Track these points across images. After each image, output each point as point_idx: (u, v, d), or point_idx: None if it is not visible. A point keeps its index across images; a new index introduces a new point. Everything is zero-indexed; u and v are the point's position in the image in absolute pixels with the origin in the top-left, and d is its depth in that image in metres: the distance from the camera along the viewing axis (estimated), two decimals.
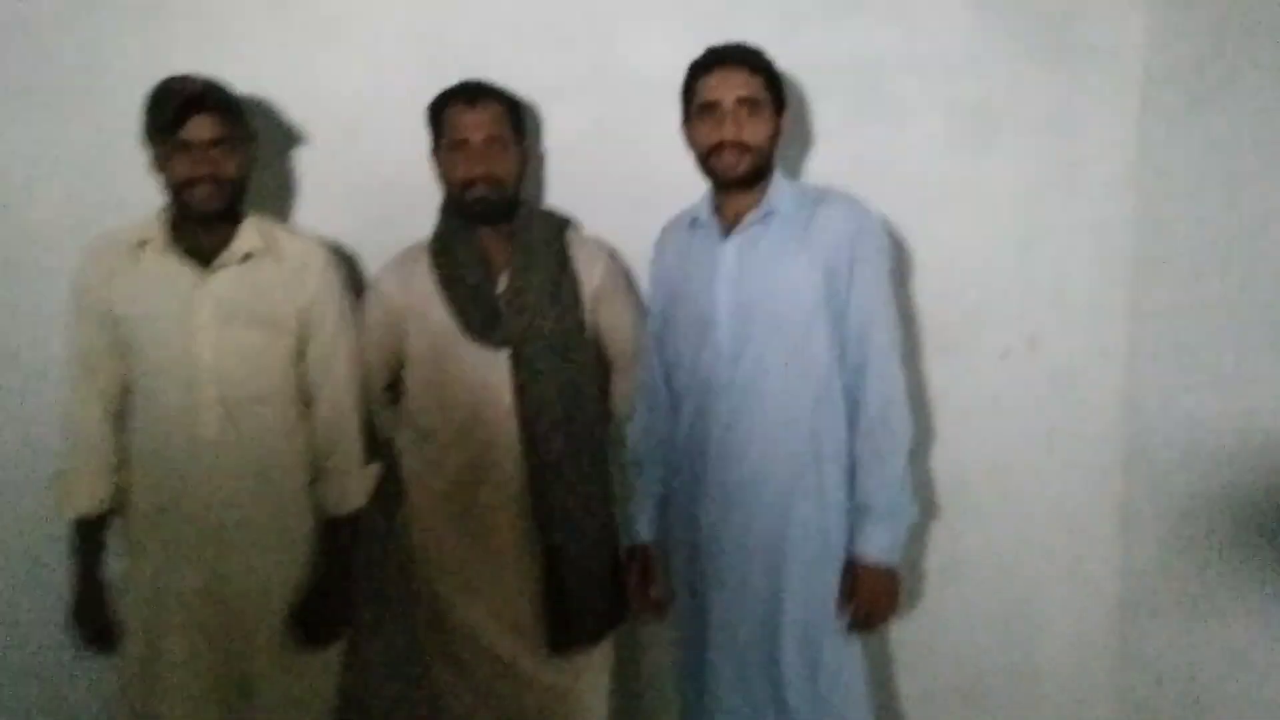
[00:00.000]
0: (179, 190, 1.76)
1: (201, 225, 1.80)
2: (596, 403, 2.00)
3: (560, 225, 2.01)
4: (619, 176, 2.20)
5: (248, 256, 1.82)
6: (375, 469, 1.97)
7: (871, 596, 1.80)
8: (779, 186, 1.84)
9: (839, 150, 2.22)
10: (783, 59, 1.99)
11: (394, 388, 2.08)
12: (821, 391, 1.81)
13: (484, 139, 1.87)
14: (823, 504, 1.82)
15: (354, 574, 1.97)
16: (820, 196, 1.85)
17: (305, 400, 1.90)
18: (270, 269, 1.84)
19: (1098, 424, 2.40)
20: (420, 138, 1.97)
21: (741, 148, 1.77)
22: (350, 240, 2.17)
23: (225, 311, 1.79)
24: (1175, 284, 2.22)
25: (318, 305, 1.88)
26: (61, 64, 2.09)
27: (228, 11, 2.09)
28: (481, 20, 2.13)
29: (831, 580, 1.83)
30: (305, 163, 2.16)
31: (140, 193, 1.90)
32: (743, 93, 1.77)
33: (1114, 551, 2.45)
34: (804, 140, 2.20)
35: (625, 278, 2.10)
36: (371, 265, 2.05)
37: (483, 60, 2.06)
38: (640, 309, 2.11)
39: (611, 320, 2.04)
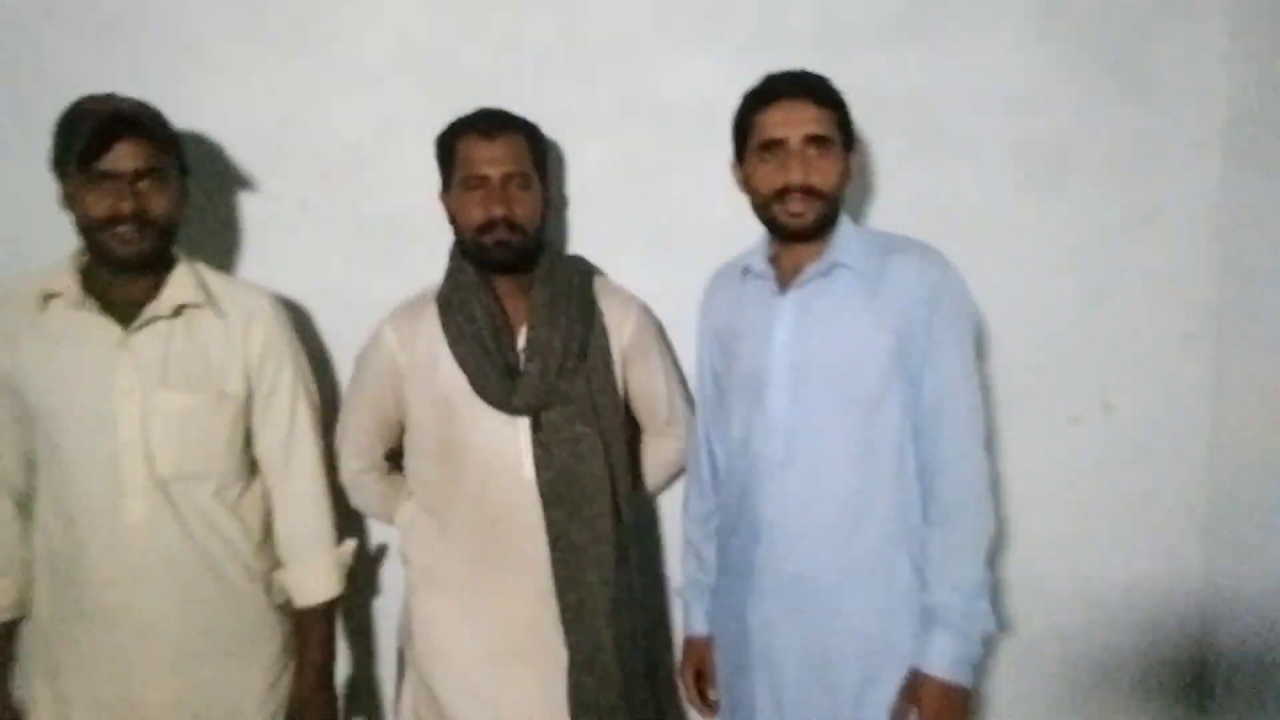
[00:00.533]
0: (96, 231, 1.48)
1: (123, 273, 1.53)
2: (631, 477, 1.76)
3: (587, 274, 1.78)
4: (651, 219, 1.99)
5: (180, 309, 1.56)
6: (351, 547, 1.74)
7: (935, 717, 1.52)
8: (845, 234, 1.59)
9: (894, 191, 2.02)
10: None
11: (393, 457, 1.84)
12: (891, 471, 1.56)
13: (502, 176, 1.63)
14: (889, 608, 1.56)
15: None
16: (892, 245, 1.59)
17: (252, 474, 1.67)
18: (209, 323, 1.59)
19: (1178, 498, 2.18)
20: (430, 175, 1.74)
21: (810, 193, 1.53)
22: (350, 288, 1.95)
23: (154, 375, 1.53)
24: (1263, 341, 2.02)
25: (270, 362, 1.64)
26: (35, 98, 1.86)
27: (208, 23, 1.88)
28: (500, 47, 1.93)
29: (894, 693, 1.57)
30: (301, 202, 1.93)
31: None
32: (812, 129, 1.53)
33: (1191, 640, 2.22)
34: (855, 180, 1.98)
35: (658, 333, 1.86)
36: (372, 317, 1.80)
37: (501, 90, 1.85)
38: (674, 368, 1.89)
39: (644, 381, 1.81)
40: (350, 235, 1.94)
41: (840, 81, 1.92)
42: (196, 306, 1.57)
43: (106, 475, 1.50)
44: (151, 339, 1.53)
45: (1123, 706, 2.25)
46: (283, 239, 1.93)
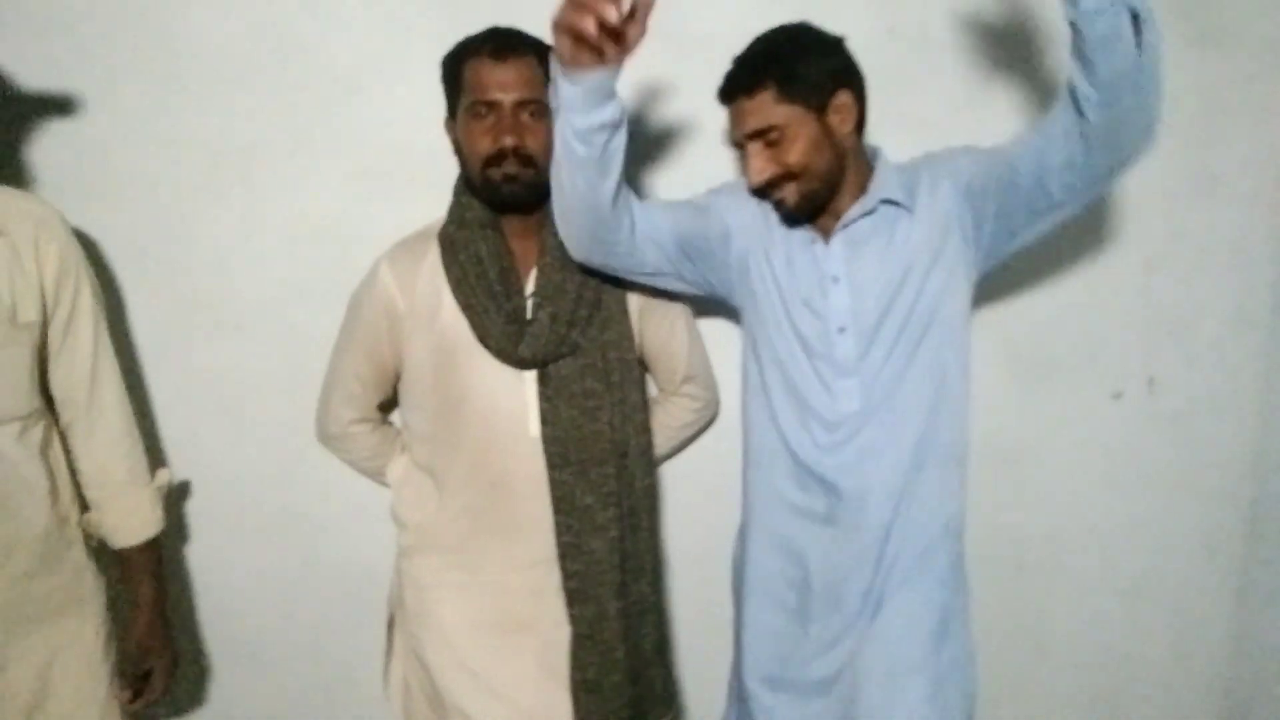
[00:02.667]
0: None
1: None
2: (645, 439, 1.62)
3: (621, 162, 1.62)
4: (676, 155, 1.82)
5: None
6: (167, 476, 1.61)
7: None
8: (884, 171, 1.50)
9: (939, 137, 1.84)
10: (877, 24, 1.73)
11: (385, 407, 1.70)
12: (955, 399, 1.54)
13: (515, 103, 1.46)
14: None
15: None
16: (914, 172, 1.52)
17: (50, 411, 1.51)
18: None
19: (1221, 482, 2.07)
20: (435, 102, 1.57)
21: (777, 183, 1.46)
22: (345, 224, 1.79)
23: None
24: None
25: (66, 284, 1.45)
26: None
27: None
28: None
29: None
30: (292, 126, 1.76)
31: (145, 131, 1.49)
32: (750, 125, 1.45)
33: (1226, 633, 2.12)
34: (901, 124, 1.82)
35: None
36: (369, 256, 1.64)
37: (517, 10, 1.67)
38: (694, 323, 1.74)
39: (662, 334, 1.67)
40: (346, 166, 1.77)
41: (886, 18, 1.78)
42: None
43: None
44: None
45: (1147, 696, 2.15)
46: (272, 170, 1.76)
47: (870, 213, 1.48)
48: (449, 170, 1.60)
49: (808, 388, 1.52)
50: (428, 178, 1.69)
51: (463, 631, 1.56)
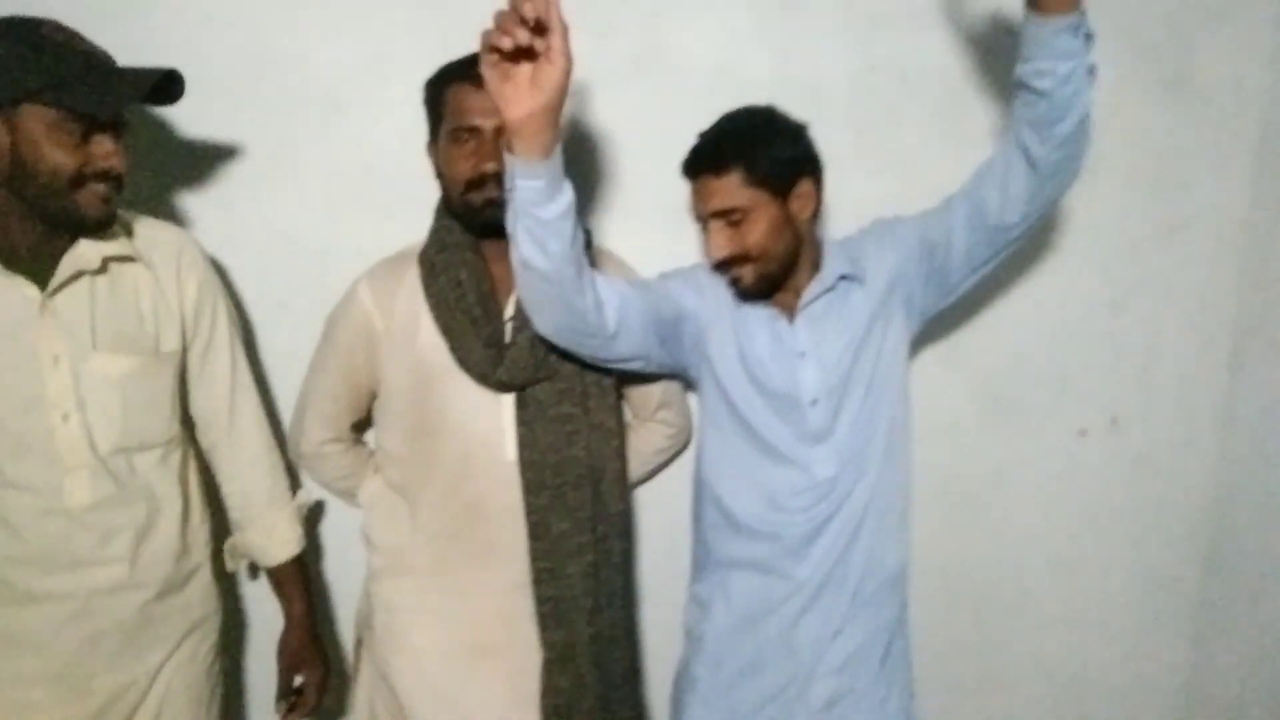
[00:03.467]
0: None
1: (28, 225, 1.32)
2: (620, 464, 1.62)
3: (583, 240, 1.63)
4: (660, 183, 1.82)
5: (106, 263, 1.38)
6: (308, 497, 1.66)
7: None
8: (833, 249, 1.58)
9: (921, 173, 1.88)
10: (857, 61, 1.77)
11: (361, 427, 1.69)
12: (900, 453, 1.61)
13: (496, 128, 1.45)
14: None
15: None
16: (855, 245, 1.61)
17: (189, 436, 1.56)
18: (135, 273, 1.42)
19: (1180, 520, 2.11)
20: (418, 123, 1.58)
21: (735, 263, 1.50)
22: (326, 244, 1.78)
23: (83, 338, 1.35)
24: (1278, 363, 1.92)
25: (205, 312, 1.50)
26: None
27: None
28: None
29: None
30: (274, 148, 1.75)
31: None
32: (714, 205, 1.48)
33: (1183, 668, 2.16)
34: (881, 160, 1.85)
35: None
36: (349, 275, 1.63)
37: None
38: None
39: None
40: (327, 186, 1.77)
41: (866, 56, 1.82)
42: (123, 259, 1.40)
43: (41, 460, 1.34)
44: (75, 298, 1.35)
45: None
46: (253, 188, 1.75)
47: (830, 289, 1.54)
48: (429, 192, 1.60)
49: (781, 456, 1.55)
50: (408, 198, 1.69)
51: (434, 656, 1.55)
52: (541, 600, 1.52)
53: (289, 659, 1.63)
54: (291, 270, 1.78)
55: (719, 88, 1.77)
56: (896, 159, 1.85)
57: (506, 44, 1.15)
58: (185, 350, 1.49)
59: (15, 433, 1.33)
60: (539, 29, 1.17)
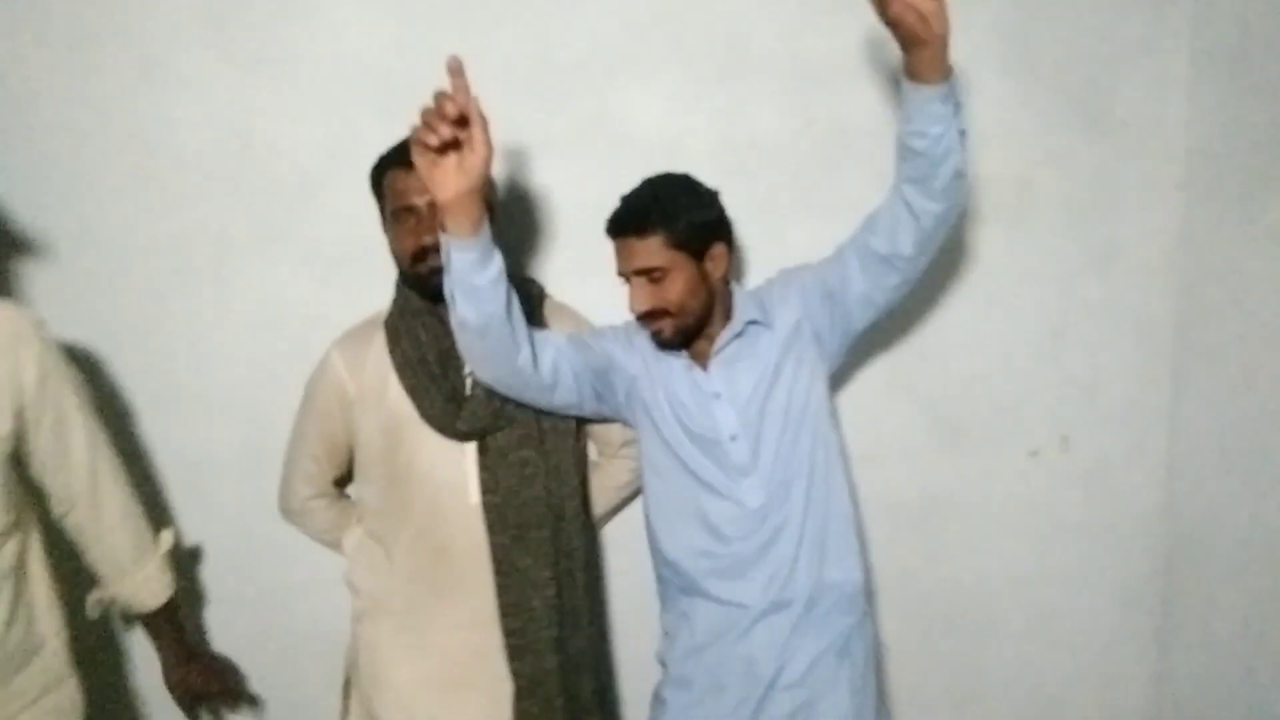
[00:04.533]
0: None
1: None
2: (579, 502, 1.74)
3: (537, 297, 1.77)
4: (606, 246, 1.95)
5: None
6: (170, 538, 1.70)
7: None
8: (742, 298, 1.70)
9: (855, 218, 2.00)
10: (795, 119, 1.86)
11: (341, 483, 1.82)
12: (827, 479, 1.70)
13: (430, 204, 1.57)
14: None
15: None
16: (762, 294, 1.74)
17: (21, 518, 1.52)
18: None
19: (1134, 534, 2.21)
20: None
21: (656, 316, 1.62)
22: (303, 311, 1.92)
23: None
24: (1220, 379, 2.05)
25: (47, 388, 1.45)
26: None
27: (171, 50, 1.84)
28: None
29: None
30: (258, 221, 1.89)
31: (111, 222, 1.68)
32: (636, 263, 1.61)
33: (1148, 677, 2.24)
34: (822, 207, 1.97)
35: None
36: (325, 339, 1.77)
37: None
38: None
39: None
40: (303, 257, 1.91)
41: (805, 112, 1.95)
42: None
43: None
44: None
45: None
46: (239, 262, 1.90)
47: (739, 335, 1.66)
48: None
49: (714, 491, 1.66)
50: (380, 269, 1.82)
51: (413, 690, 1.66)
52: (508, 633, 1.64)
53: (183, 689, 1.70)
54: (278, 338, 1.91)
55: (665, 150, 1.91)
56: (834, 206, 1.95)
57: (433, 141, 1.30)
58: (23, 434, 1.45)
59: None
60: (462, 122, 1.31)
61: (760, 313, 1.68)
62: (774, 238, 1.96)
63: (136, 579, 1.63)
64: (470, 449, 1.64)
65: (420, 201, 1.58)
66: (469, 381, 1.65)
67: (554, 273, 1.94)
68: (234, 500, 1.95)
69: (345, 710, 1.80)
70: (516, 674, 1.64)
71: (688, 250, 1.60)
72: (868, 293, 1.64)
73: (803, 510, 1.65)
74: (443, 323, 1.65)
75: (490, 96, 1.86)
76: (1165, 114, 2.05)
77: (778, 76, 1.94)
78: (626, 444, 1.86)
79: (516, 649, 1.64)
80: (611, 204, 1.93)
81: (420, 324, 1.65)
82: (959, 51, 1.93)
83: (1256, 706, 1.96)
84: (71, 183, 1.83)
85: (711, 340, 1.68)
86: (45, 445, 1.48)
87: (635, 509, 2.01)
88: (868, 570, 1.77)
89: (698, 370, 1.67)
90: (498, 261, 1.45)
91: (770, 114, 1.95)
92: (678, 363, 1.68)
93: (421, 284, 1.63)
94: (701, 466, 1.66)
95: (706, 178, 1.75)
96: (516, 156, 1.91)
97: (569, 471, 1.71)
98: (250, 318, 1.91)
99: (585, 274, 1.93)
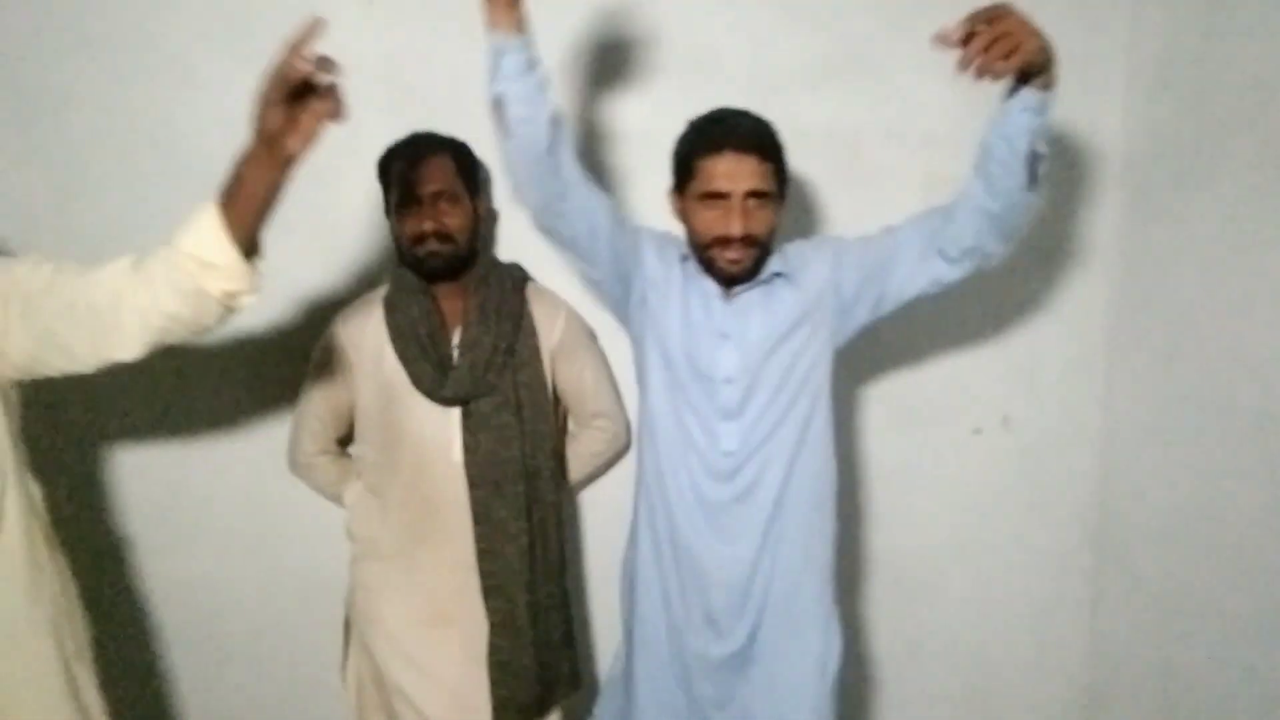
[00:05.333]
0: None
1: None
2: (554, 463, 1.94)
3: (521, 280, 1.97)
4: None
5: None
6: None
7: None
8: (779, 252, 1.75)
9: (816, 215, 2.21)
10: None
11: (344, 443, 2.03)
12: (817, 453, 1.76)
13: (432, 194, 1.81)
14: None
15: None
16: (800, 249, 1.79)
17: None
18: None
19: (1069, 506, 2.38)
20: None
21: (747, 242, 1.64)
22: (315, 294, 2.12)
23: None
24: (1149, 366, 2.20)
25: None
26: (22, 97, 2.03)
27: (187, 45, 2.04)
28: (455, 71, 2.08)
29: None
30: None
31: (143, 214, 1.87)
32: (753, 184, 1.62)
33: (1081, 637, 2.42)
34: (790, 200, 2.15)
35: (586, 333, 2.05)
36: (332, 315, 1.97)
37: (455, 111, 2.02)
38: (603, 365, 2.07)
39: (571, 377, 2.00)
40: (316, 242, 2.10)
41: (766, 114, 2.13)
42: None
43: None
44: None
45: (1013, 695, 2.43)
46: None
47: (764, 282, 1.72)
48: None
49: (692, 425, 1.73)
50: (383, 250, 2.03)
51: (401, 625, 1.87)
52: (484, 574, 1.85)
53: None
54: (288, 314, 2.13)
55: (641, 151, 2.11)
56: (796, 202, 2.17)
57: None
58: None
59: None
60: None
61: (787, 267, 1.71)
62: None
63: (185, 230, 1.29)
64: (455, 413, 1.84)
65: (422, 191, 1.80)
66: (456, 352, 1.85)
67: (536, 258, 2.11)
68: (247, 456, 2.16)
69: (346, 645, 2.01)
70: (491, 611, 1.85)
71: (779, 189, 1.67)
72: (910, 278, 1.69)
73: (782, 477, 1.70)
74: (434, 300, 1.87)
75: (480, 98, 2.08)
76: (1101, 121, 2.23)
77: (739, 81, 2.13)
78: (599, 415, 2.05)
79: (491, 589, 1.85)
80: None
81: (414, 301, 1.85)
82: (911, 62, 2.14)
83: (1180, 665, 2.11)
84: (100, 181, 2.02)
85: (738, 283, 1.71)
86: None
87: (610, 477, 2.23)
88: (837, 558, 1.84)
89: (718, 303, 1.71)
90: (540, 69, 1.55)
91: None
92: (710, 287, 1.72)
93: (419, 264, 1.84)
94: (691, 394, 1.72)
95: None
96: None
97: (544, 435, 1.91)
98: (266, 298, 2.10)
99: (563, 262, 2.13)
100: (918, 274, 1.70)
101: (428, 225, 1.81)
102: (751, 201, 1.63)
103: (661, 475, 1.78)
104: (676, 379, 1.75)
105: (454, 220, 1.83)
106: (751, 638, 1.77)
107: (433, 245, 1.82)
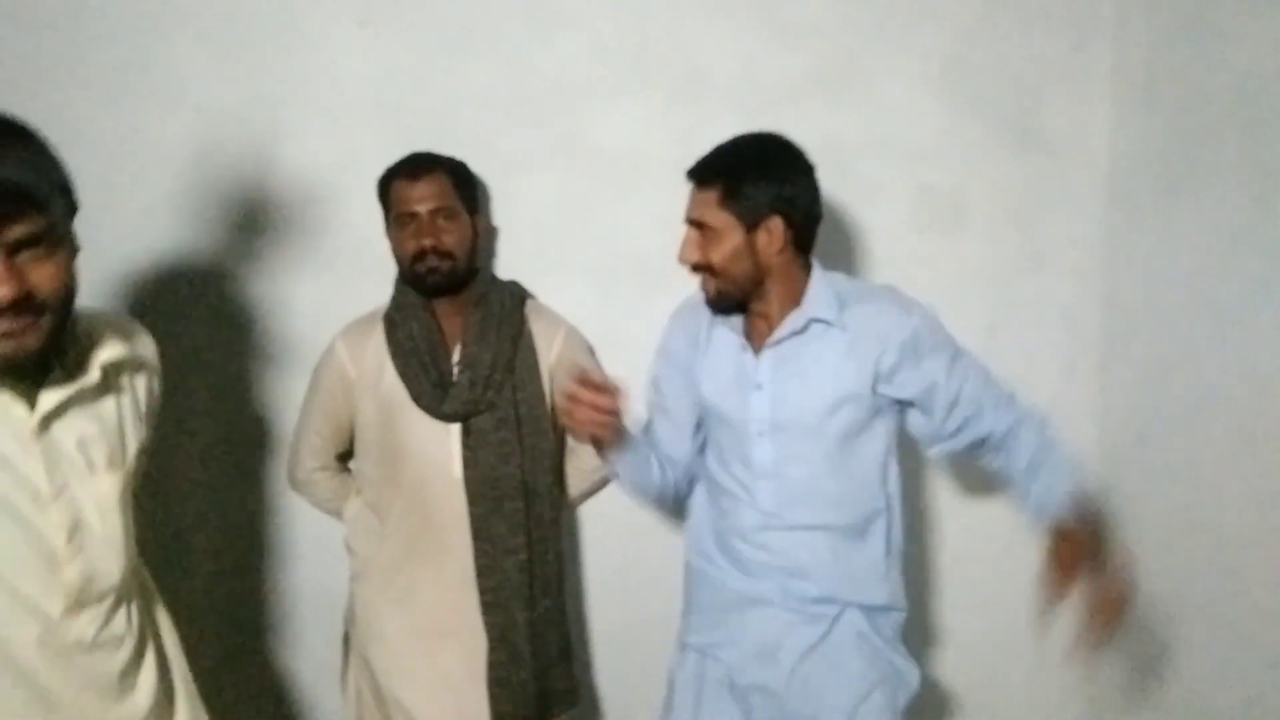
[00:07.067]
0: None
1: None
2: (553, 479, 1.96)
3: (519, 297, 1.99)
4: (583, 250, 2.19)
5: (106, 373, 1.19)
6: None
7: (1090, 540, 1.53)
8: (817, 288, 1.63)
9: None
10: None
11: (344, 459, 2.05)
12: (863, 505, 1.69)
13: (430, 211, 1.84)
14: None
15: None
16: (862, 294, 1.67)
17: None
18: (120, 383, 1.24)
19: None
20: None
21: (699, 270, 1.63)
22: (316, 311, 2.13)
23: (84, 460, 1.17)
24: (1141, 374, 2.22)
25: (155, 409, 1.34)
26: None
27: (183, 69, 2.07)
28: (449, 91, 2.12)
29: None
30: (269, 230, 2.13)
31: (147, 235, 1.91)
32: (691, 215, 1.63)
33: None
34: None
35: (585, 350, 2.06)
36: (332, 331, 1.99)
37: (450, 131, 2.06)
38: None
39: None
40: (315, 259, 2.13)
41: (757, 129, 2.16)
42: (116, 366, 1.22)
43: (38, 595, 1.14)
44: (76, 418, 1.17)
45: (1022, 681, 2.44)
46: (256, 262, 2.12)
47: (798, 332, 1.60)
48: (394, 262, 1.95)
49: (728, 485, 1.68)
50: (379, 267, 2.05)
51: (400, 639, 1.89)
52: (483, 590, 1.86)
53: None
54: (287, 330, 2.15)
55: (633, 164, 2.13)
56: None
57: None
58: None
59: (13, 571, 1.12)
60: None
61: (832, 311, 1.60)
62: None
63: None
64: (455, 429, 1.86)
65: (421, 209, 1.83)
66: (457, 369, 1.87)
67: (534, 274, 2.14)
68: (249, 475, 2.19)
69: (345, 660, 2.03)
70: (489, 626, 1.87)
71: (739, 217, 1.56)
72: (921, 422, 1.69)
73: (829, 552, 1.64)
74: (434, 317, 1.89)
75: (474, 117, 2.12)
76: (1089, 129, 2.25)
77: (730, 97, 2.15)
78: None
79: (489, 605, 1.87)
80: (587, 210, 2.15)
81: (414, 317, 1.88)
82: (901, 76, 2.16)
83: (1176, 671, 2.11)
84: (112, 202, 2.04)
85: (769, 324, 1.63)
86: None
87: (609, 491, 2.24)
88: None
89: (748, 356, 1.65)
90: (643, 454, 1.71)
91: (725, 131, 2.14)
92: (733, 340, 1.67)
93: (419, 281, 1.87)
94: (728, 448, 1.67)
95: (667, 191, 1.97)
96: (498, 170, 2.12)
97: (543, 452, 1.93)
98: (268, 313, 2.15)
99: (562, 275, 2.16)
100: (925, 424, 1.71)
101: (426, 242, 1.83)
102: (692, 230, 1.65)
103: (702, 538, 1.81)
104: (716, 441, 1.76)
105: (452, 236, 1.85)
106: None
107: (432, 262, 1.84)
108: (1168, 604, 2.12)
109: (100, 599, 1.19)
